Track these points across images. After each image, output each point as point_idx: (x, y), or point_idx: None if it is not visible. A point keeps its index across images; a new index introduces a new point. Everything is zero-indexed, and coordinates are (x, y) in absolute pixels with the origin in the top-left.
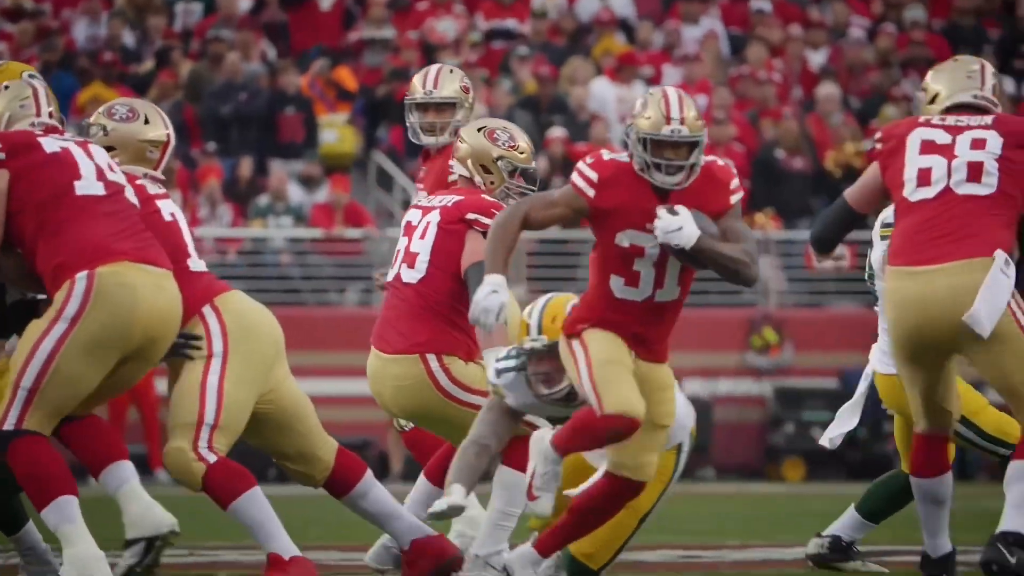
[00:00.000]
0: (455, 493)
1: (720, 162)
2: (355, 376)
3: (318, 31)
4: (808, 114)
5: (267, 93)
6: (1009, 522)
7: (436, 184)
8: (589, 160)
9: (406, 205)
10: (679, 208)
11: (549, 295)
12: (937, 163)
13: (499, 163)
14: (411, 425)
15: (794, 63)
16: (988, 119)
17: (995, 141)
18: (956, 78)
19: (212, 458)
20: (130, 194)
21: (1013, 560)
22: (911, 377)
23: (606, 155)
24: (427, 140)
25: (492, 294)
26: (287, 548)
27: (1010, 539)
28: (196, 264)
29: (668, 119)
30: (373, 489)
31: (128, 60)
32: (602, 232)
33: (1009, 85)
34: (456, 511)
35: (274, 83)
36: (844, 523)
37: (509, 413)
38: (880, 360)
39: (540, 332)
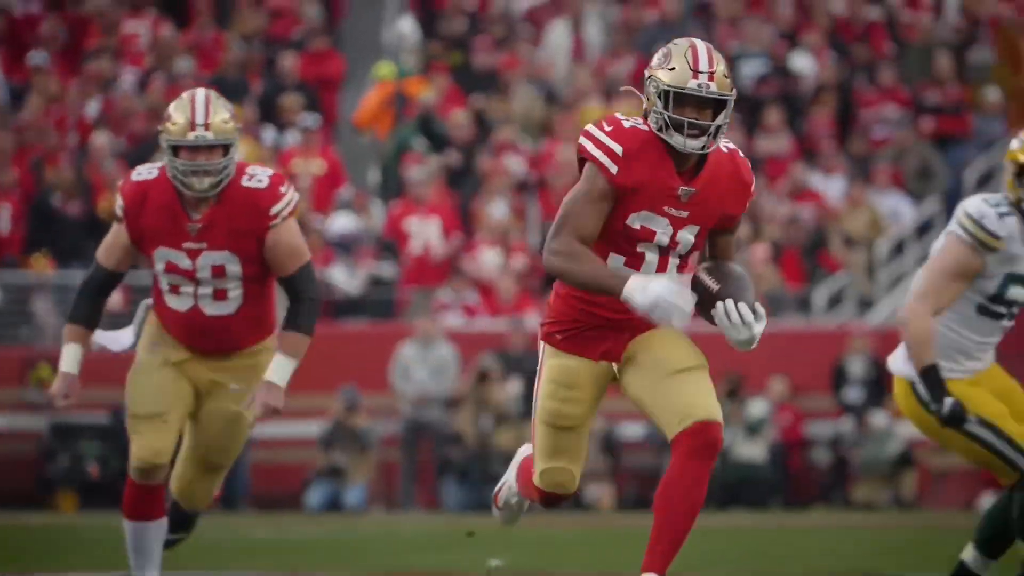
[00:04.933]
0: None
1: (741, 154)
2: None
3: None
4: (84, 161)
5: None
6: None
7: None
8: (608, 127)
9: None
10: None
11: None
12: None
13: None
14: None
15: (72, 112)
16: None
17: None
18: None
19: None
20: None
21: None
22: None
23: (625, 121)
24: None
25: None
26: None
27: None
28: None
29: (696, 72)
30: None
31: None
32: (614, 209)
33: (271, 135)
34: None
35: None
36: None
37: None
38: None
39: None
